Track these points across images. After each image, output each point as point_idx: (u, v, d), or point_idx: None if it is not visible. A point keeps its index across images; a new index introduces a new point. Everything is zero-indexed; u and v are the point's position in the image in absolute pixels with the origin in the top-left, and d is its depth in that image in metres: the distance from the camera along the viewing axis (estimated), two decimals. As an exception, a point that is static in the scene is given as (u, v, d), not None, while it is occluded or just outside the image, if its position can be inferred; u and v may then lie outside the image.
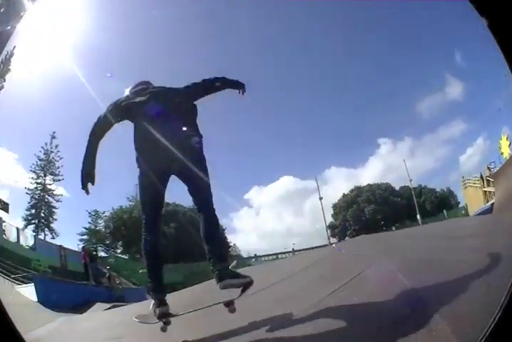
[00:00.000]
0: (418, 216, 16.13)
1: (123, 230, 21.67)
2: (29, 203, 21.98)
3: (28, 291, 8.27)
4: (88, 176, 2.29)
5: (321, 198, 16.09)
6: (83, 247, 19.23)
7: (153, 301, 2.18)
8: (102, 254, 22.70)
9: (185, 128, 2.31)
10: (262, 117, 19.40)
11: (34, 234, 21.32)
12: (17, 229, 18.83)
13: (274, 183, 18.86)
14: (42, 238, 21.73)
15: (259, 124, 20.50)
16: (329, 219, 19.04)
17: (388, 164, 19.82)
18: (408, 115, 18.32)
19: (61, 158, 21.11)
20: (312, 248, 14.24)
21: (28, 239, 19.88)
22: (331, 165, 18.59)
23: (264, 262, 15.67)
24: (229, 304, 2.13)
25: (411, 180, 17.04)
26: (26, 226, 22.06)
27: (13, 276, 11.11)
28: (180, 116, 2.35)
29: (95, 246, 20.96)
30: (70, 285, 10.53)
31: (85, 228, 23.04)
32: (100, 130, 2.41)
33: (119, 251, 23.13)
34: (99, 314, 6.19)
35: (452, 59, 15.77)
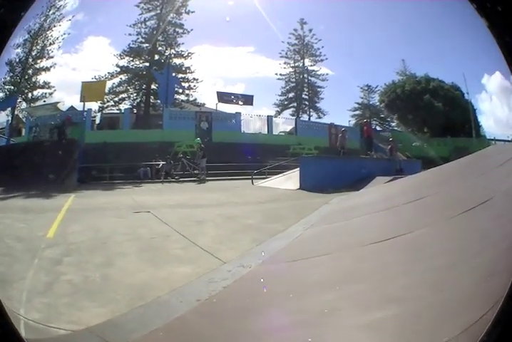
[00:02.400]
0: None
1: (398, 103, 20.67)
2: (284, 88, 22.07)
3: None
4: None
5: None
6: (364, 121, 18.11)
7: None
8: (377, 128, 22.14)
9: None
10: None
11: (294, 117, 20.72)
12: (268, 117, 18.10)
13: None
14: (305, 119, 21.19)
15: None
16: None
17: None
18: None
19: (319, 40, 21.14)
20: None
21: (278, 125, 19.04)
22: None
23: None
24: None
25: None
26: (279, 113, 21.91)
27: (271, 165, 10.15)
28: None
29: (369, 120, 19.82)
30: (349, 160, 10.06)
31: (357, 103, 22.62)
32: None
33: (393, 124, 22.47)
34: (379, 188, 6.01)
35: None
